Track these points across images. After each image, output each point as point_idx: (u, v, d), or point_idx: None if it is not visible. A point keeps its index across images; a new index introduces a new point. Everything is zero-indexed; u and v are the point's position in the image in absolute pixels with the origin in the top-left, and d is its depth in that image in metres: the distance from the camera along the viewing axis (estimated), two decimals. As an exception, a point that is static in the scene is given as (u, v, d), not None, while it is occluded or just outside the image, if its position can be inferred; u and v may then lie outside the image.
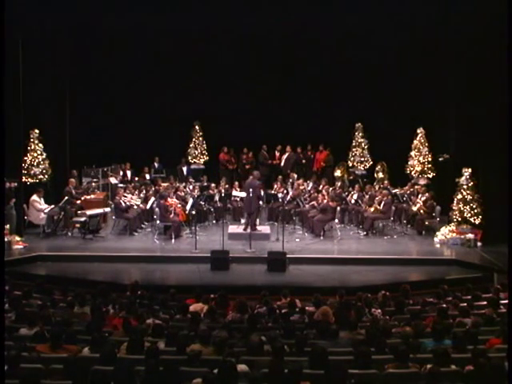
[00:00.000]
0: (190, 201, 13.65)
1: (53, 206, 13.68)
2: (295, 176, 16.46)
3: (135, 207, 14.27)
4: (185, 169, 18.06)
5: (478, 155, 13.39)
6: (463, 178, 13.18)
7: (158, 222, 13.54)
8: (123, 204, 13.81)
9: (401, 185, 15.81)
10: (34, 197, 13.46)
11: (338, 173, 17.24)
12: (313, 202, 14.25)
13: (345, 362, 5.49)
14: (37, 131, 14.55)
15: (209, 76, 17.55)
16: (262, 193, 14.06)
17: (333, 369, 5.01)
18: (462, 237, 13.01)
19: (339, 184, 16.02)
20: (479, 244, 12.92)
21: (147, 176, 17.31)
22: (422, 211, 14.12)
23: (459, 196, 13.20)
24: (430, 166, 16.33)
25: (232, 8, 16.18)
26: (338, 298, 8.73)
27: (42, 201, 13.61)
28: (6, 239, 11.80)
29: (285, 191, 15.30)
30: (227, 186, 15.96)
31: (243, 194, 14.96)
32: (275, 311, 8.01)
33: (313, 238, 13.68)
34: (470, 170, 13.12)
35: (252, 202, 13.24)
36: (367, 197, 14.74)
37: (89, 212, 13.48)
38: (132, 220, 13.84)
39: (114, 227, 14.07)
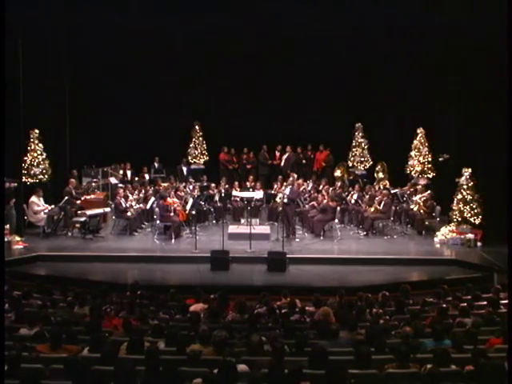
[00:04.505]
0: (190, 201, 13.65)
1: (53, 206, 13.68)
2: (295, 176, 16.46)
3: (135, 207, 14.27)
4: (185, 169, 18.06)
5: (478, 155, 13.39)
6: (463, 178, 13.18)
7: (157, 222, 13.55)
8: (123, 204, 13.81)
9: (401, 185, 15.81)
10: (33, 198, 13.45)
11: (338, 173, 17.23)
12: (313, 202, 14.25)
13: (345, 362, 5.48)
14: (37, 131, 14.56)
15: (209, 76, 17.55)
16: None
17: (333, 369, 5.01)
18: (462, 237, 13.01)
19: (339, 184, 16.00)
20: (479, 244, 12.91)
21: (146, 176, 17.32)
22: (421, 211, 14.12)
23: (459, 196, 13.20)
24: (430, 166, 16.35)
25: (232, 8, 16.20)
26: (338, 298, 8.73)
27: (42, 201, 13.61)
28: (6, 239, 11.79)
29: (284, 191, 15.28)
30: (227, 186, 15.96)
31: (243, 194, 14.98)
32: (275, 311, 8.01)
33: (313, 237, 13.68)
34: (469, 169, 13.13)
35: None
36: (367, 197, 14.75)
37: (89, 212, 13.48)
38: (132, 220, 13.84)
39: (114, 227, 14.07)
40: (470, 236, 12.96)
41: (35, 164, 14.50)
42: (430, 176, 16.31)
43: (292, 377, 4.95)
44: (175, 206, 13.69)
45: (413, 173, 16.45)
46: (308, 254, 12.40)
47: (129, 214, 13.82)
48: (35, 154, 14.53)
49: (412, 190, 15.22)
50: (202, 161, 18.24)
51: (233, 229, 13.66)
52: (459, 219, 13.19)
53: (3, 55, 11.21)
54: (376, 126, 17.17)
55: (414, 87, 16.22)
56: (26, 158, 14.32)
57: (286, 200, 13.40)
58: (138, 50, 17.15)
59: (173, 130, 17.83)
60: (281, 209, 13.44)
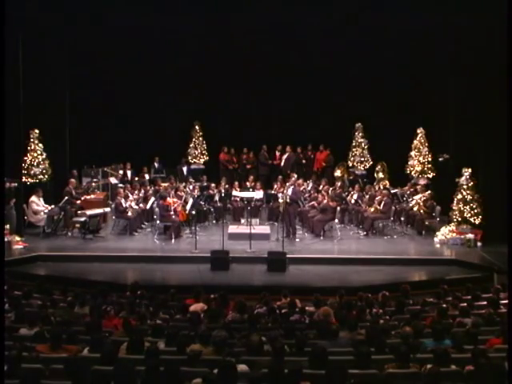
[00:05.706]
0: (190, 201, 13.65)
1: (53, 206, 13.68)
2: (295, 176, 16.45)
3: (135, 207, 14.26)
4: (185, 169, 18.07)
5: (478, 155, 13.39)
6: (463, 177, 13.17)
7: (157, 222, 13.55)
8: (123, 204, 13.81)
9: (401, 185, 15.81)
10: (33, 198, 13.45)
11: (338, 173, 17.23)
12: (313, 202, 14.25)
13: (345, 362, 5.48)
14: (37, 131, 14.56)
15: (209, 76, 17.53)
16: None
17: (333, 369, 5.01)
18: (462, 237, 13.01)
19: (339, 184, 16.00)
20: (479, 244, 12.91)
21: (146, 176, 17.32)
22: (422, 211, 14.12)
23: (459, 196, 13.20)
24: (430, 166, 16.35)
25: (232, 8, 16.21)
26: (338, 298, 8.73)
27: (42, 201, 13.61)
28: (6, 239, 11.79)
29: (285, 191, 15.29)
30: (227, 186, 15.96)
31: (243, 194, 14.99)
32: (275, 311, 8.01)
33: (313, 237, 13.67)
34: (469, 170, 13.13)
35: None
36: (367, 197, 14.75)
37: (89, 212, 13.49)
38: (132, 220, 13.84)
39: (114, 227, 14.07)
40: (470, 236, 12.96)
41: (35, 164, 14.50)
42: (430, 176, 16.31)
43: (292, 377, 4.95)
44: (175, 205, 13.69)
45: (413, 173, 16.45)
46: (308, 253, 12.40)
47: (129, 214, 13.82)
48: (35, 154, 14.53)
49: (412, 189, 15.22)
50: (201, 161, 18.25)
51: (233, 229, 13.65)
52: (459, 219, 13.19)
53: (3, 55, 11.21)
54: (376, 126, 17.17)
55: (414, 87, 16.22)
56: (26, 158, 14.32)
57: (288, 200, 13.40)
58: (138, 49, 17.14)
59: (173, 130, 17.84)
60: (282, 209, 13.39)
